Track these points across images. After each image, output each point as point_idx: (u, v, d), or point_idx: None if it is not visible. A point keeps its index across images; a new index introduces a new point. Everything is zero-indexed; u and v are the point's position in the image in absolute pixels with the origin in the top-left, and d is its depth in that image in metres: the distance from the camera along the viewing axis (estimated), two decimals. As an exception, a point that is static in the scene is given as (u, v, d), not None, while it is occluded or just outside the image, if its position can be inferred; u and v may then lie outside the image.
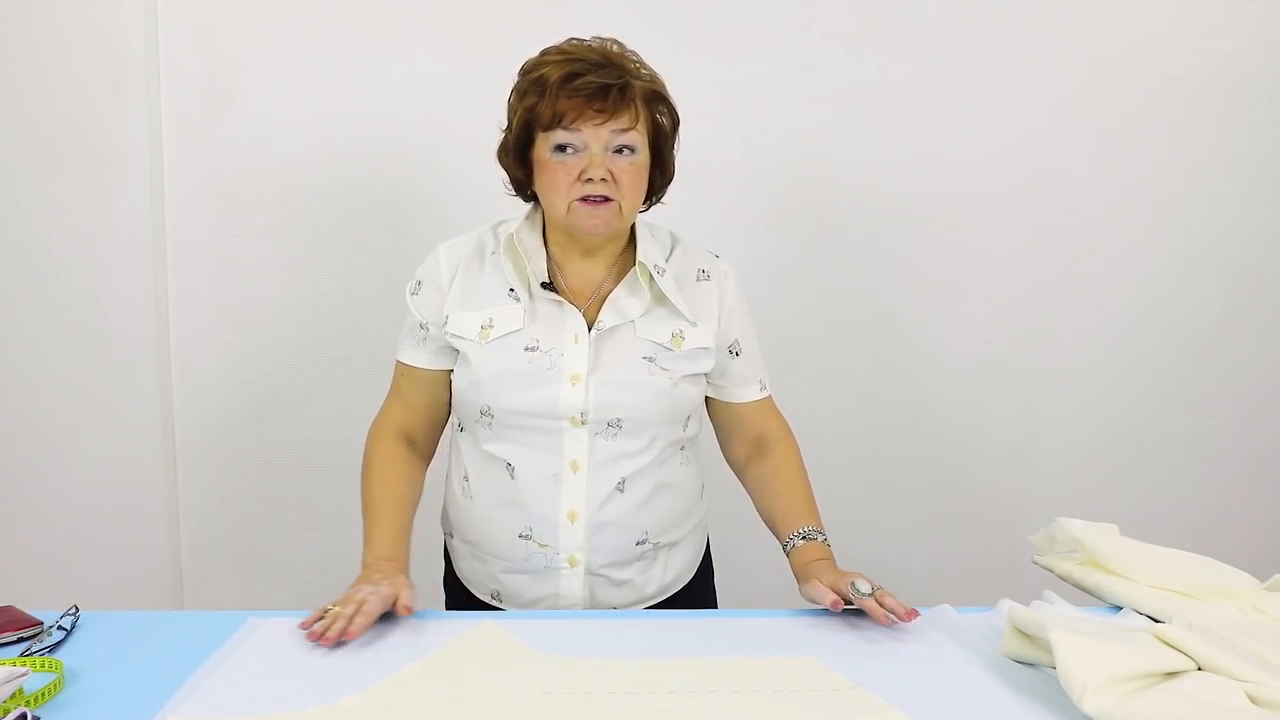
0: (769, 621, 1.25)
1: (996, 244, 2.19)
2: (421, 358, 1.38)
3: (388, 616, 1.19)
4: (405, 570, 1.28)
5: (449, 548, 1.49)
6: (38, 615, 1.19)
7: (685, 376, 1.34)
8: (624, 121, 1.24)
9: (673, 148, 1.35)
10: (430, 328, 1.36)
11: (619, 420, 1.31)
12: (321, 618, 1.15)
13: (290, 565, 2.23)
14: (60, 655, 1.11)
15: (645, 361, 1.32)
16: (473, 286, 1.35)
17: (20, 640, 1.15)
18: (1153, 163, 2.17)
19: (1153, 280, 2.22)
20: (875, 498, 2.26)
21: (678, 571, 1.43)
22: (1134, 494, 2.28)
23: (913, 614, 1.18)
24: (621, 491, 1.33)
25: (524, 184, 1.36)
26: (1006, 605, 1.21)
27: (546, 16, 2.08)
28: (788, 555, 1.35)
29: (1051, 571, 1.37)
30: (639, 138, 1.27)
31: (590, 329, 1.31)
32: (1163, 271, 2.22)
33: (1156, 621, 1.17)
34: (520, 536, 1.34)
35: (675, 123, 1.34)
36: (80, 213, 2.12)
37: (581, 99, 1.23)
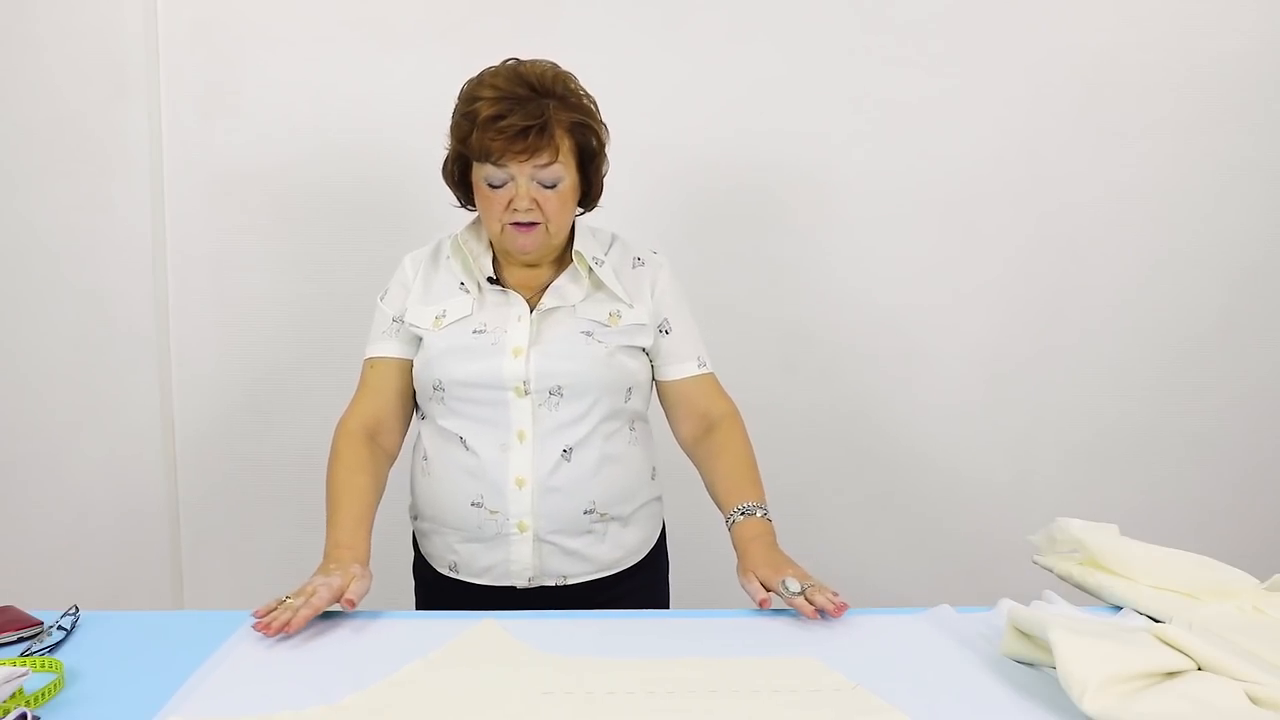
0: (769, 622, 1.25)
1: (996, 243, 2.19)
2: (394, 348, 1.47)
3: (354, 613, 1.21)
4: (363, 558, 1.31)
5: (415, 532, 1.56)
6: (38, 615, 1.20)
7: (622, 347, 1.43)
8: (544, 157, 1.33)
9: (600, 166, 1.43)
10: (400, 320, 1.47)
11: (559, 388, 1.39)
12: (274, 608, 1.19)
13: (290, 565, 2.22)
14: (60, 655, 1.11)
15: (583, 335, 1.42)
16: (430, 285, 1.47)
17: (20, 640, 1.15)
18: (1153, 163, 2.17)
19: (1153, 280, 2.22)
20: (874, 498, 2.26)
21: (628, 548, 1.49)
22: (1134, 494, 2.28)
23: (842, 608, 1.22)
24: (568, 460, 1.40)
25: (465, 200, 1.47)
26: (1006, 605, 1.21)
27: (545, 18, 2.08)
28: (729, 531, 1.39)
29: (1051, 571, 1.37)
30: (561, 169, 1.35)
31: (532, 311, 1.42)
32: (1163, 271, 2.22)
33: (1156, 621, 1.17)
34: (473, 505, 1.41)
35: (601, 144, 1.41)
36: (80, 213, 2.12)
37: (504, 140, 1.31)
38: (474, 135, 1.33)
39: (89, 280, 2.14)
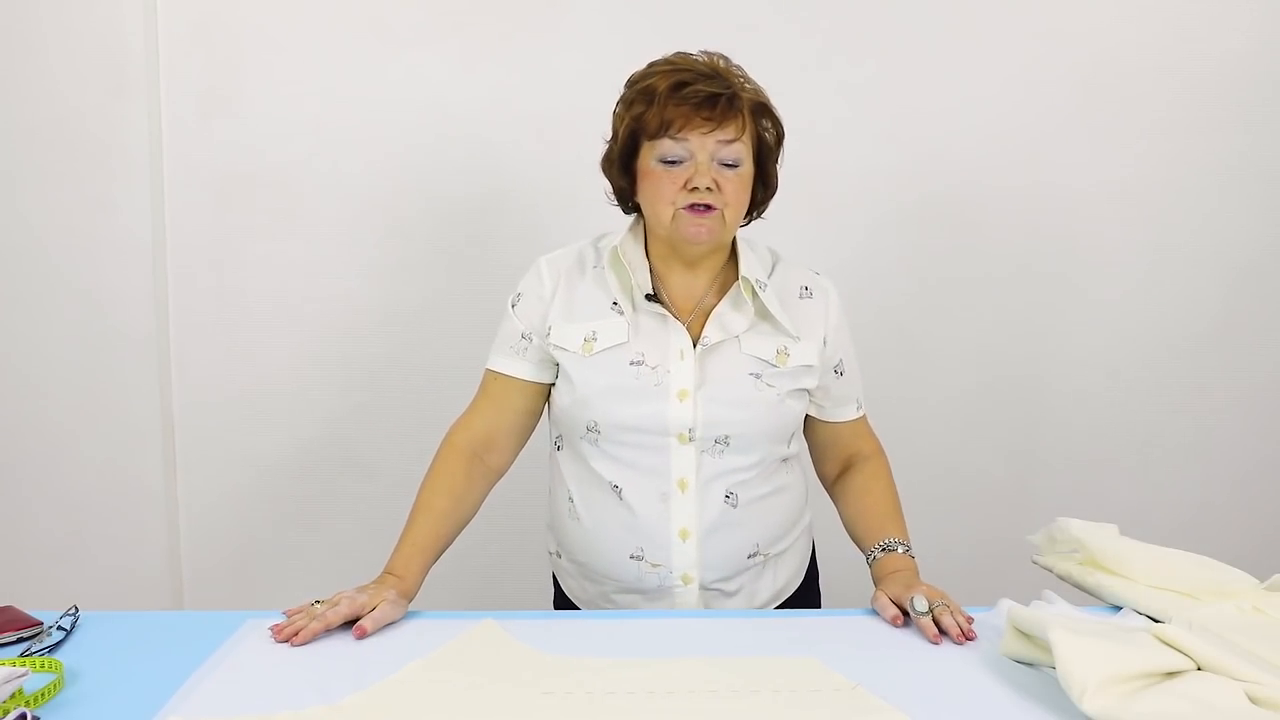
0: (769, 621, 1.26)
1: (996, 243, 2.19)
2: (521, 368, 1.38)
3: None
4: (409, 590, 1.26)
5: (556, 568, 1.48)
6: (38, 615, 1.19)
7: (790, 392, 1.34)
8: (730, 132, 1.25)
9: (776, 161, 1.35)
10: (533, 338, 1.36)
11: (726, 437, 1.30)
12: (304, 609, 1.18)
13: (289, 565, 2.23)
14: (60, 655, 1.11)
15: (752, 378, 1.31)
16: (575, 299, 1.35)
17: (20, 640, 1.15)
18: (1153, 162, 2.17)
19: (1151, 280, 2.22)
20: (875, 498, 2.26)
21: (787, 578, 1.43)
22: (1134, 494, 2.28)
23: (967, 636, 1.16)
24: (733, 506, 1.32)
25: (626, 194, 1.36)
26: (1006, 605, 1.21)
27: (546, 17, 2.08)
28: (870, 568, 1.36)
29: (1051, 571, 1.37)
30: (744, 149, 1.27)
31: (695, 345, 1.31)
32: (1161, 271, 2.22)
33: (1156, 621, 1.17)
34: (631, 558, 1.33)
35: (780, 136, 1.34)
36: (80, 213, 2.12)
37: (689, 107, 1.23)
38: (651, 109, 1.24)
39: (89, 280, 2.14)
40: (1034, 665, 1.08)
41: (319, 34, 2.08)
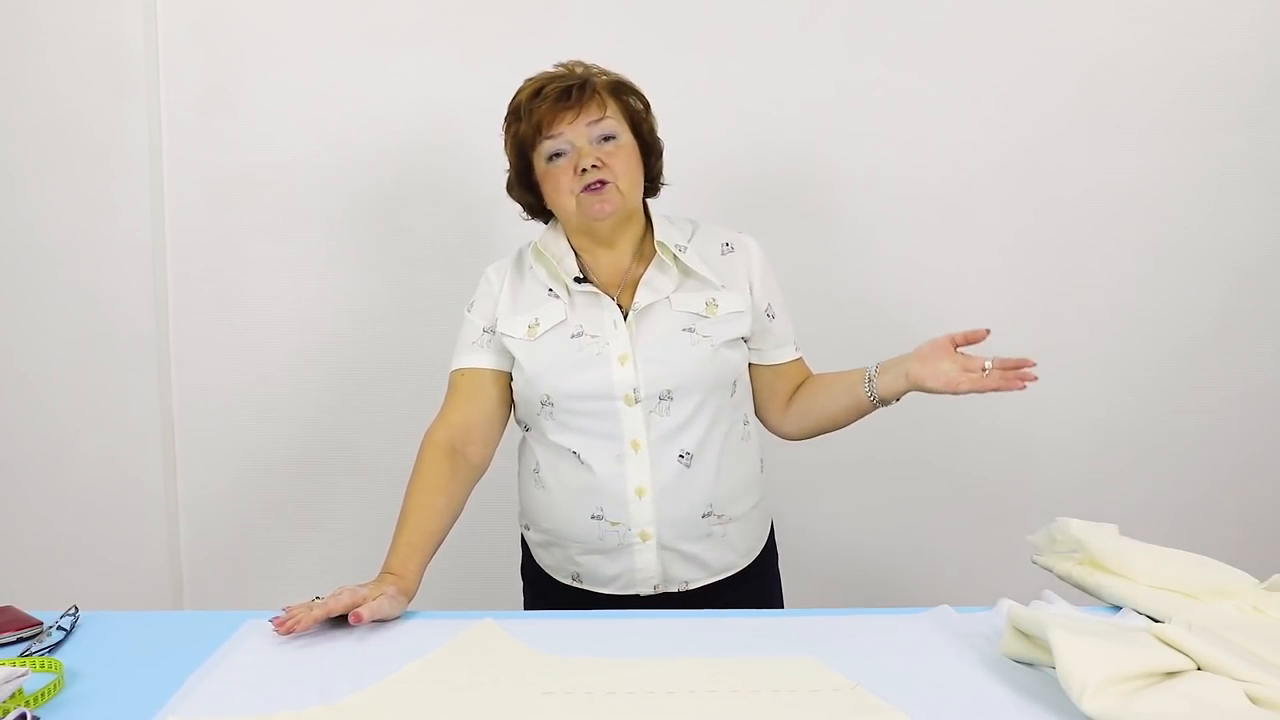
0: (769, 621, 1.25)
1: (995, 243, 2.19)
2: (488, 359, 1.46)
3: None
4: (408, 589, 1.28)
5: (526, 540, 1.56)
6: (38, 615, 1.20)
7: (725, 343, 1.43)
8: (592, 112, 1.37)
9: (653, 127, 1.47)
10: (493, 331, 1.46)
11: (669, 392, 1.39)
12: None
13: (290, 566, 2.23)
14: (60, 655, 1.11)
15: (685, 333, 1.41)
16: (518, 294, 1.46)
17: (20, 640, 1.15)
18: (1153, 162, 2.17)
19: (1153, 280, 2.22)
20: (875, 497, 2.26)
21: (742, 550, 1.49)
22: (1133, 493, 2.28)
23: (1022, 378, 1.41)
24: (687, 466, 1.40)
25: (536, 207, 1.49)
26: (1006, 605, 1.21)
27: (546, 17, 2.08)
28: (875, 393, 1.49)
29: (1051, 571, 1.37)
30: (615, 123, 1.39)
31: (627, 314, 1.41)
32: (1163, 271, 2.22)
33: (1156, 621, 1.17)
34: (593, 518, 1.40)
35: (647, 104, 1.46)
36: (80, 213, 2.12)
37: (549, 104, 1.36)
38: (522, 121, 1.38)
39: (88, 280, 2.14)
40: (1034, 665, 1.08)
41: (319, 34, 2.08)
